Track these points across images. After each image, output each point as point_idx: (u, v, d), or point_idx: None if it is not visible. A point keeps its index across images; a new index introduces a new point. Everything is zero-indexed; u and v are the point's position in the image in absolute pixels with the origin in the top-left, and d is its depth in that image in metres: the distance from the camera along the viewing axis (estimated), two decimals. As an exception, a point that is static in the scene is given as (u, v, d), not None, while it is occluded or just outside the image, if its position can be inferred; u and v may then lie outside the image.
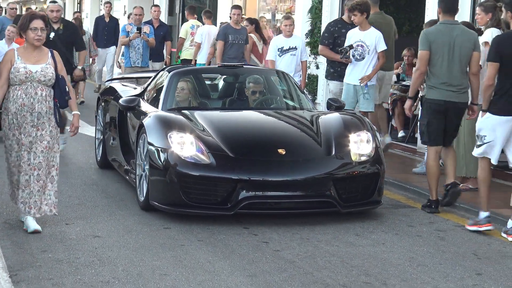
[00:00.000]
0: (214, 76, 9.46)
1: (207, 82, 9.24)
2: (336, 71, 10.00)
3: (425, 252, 6.24)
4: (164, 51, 14.45)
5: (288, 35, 10.57)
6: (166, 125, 7.26)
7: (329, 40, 10.02)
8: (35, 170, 6.43)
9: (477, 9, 8.29)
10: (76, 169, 9.43)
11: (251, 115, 8.14)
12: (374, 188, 7.23)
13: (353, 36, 9.45)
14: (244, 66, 9.45)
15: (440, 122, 7.50)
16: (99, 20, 17.45)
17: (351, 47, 9.49)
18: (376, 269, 5.74)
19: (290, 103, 8.59)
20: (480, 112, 7.00)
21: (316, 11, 13.63)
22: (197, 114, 7.73)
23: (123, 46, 13.31)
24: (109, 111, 9.33)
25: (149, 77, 9.70)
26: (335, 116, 7.88)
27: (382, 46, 9.37)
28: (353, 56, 9.46)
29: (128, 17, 16.00)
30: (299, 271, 5.69)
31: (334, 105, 8.40)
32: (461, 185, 8.03)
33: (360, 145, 7.32)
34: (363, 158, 7.24)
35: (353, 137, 7.36)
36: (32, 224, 6.41)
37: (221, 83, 9.16)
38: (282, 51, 10.49)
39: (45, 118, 6.48)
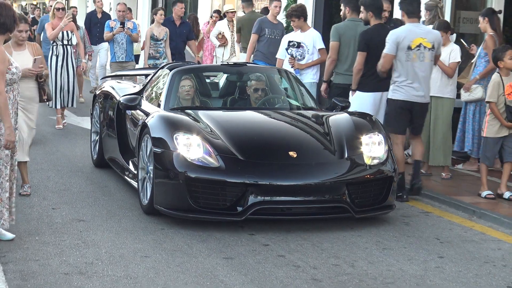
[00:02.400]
0: (214, 74, 8.93)
1: (207, 81, 8.72)
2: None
3: (391, 237, 6.35)
4: (190, 51, 13.49)
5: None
6: (172, 126, 6.67)
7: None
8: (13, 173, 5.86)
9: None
10: (62, 156, 9.45)
11: (259, 115, 7.48)
12: (387, 192, 6.72)
13: (294, 39, 9.65)
14: (247, 64, 8.79)
15: None
16: (91, 16, 16.43)
17: (299, 45, 9.59)
18: (345, 252, 5.85)
19: (294, 102, 8.06)
20: (351, 91, 8.17)
21: None
22: (202, 114, 7.15)
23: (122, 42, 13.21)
24: (107, 109, 8.73)
25: (145, 74, 9.52)
26: (345, 116, 7.30)
27: (320, 45, 9.56)
28: (295, 56, 9.54)
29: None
30: (272, 253, 5.76)
31: (339, 105, 7.86)
32: (445, 174, 8.47)
33: (372, 147, 6.81)
34: (375, 161, 6.72)
35: (365, 139, 6.84)
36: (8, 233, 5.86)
37: (222, 81, 8.61)
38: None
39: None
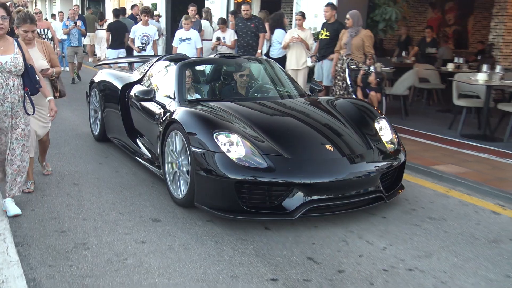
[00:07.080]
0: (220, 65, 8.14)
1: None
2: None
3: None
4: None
5: (187, 28, 11.88)
6: (209, 124, 5.76)
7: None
8: (9, 156, 5.65)
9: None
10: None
11: (275, 106, 6.68)
12: (400, 174, 6.31)
13: (139, 29, 12.34)
14: (241, 56, 8.11)
15: None
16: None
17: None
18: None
19: (285, 90, 7.50)
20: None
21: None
22: (225, 108, 6.37)
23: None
24: (107, 95, 8.33)
25: (132, 61, 10.61)
26: (346, 103, 6.80)
27: (155, 37, 12.15)
28: (143, 42, 11.98)
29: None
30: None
31: (316, 88, 7.56)
32: None
33: (382, 133, 6.36)
34: (392, 146, 6.25)
35: (376, 125, 6.39)
36: (11, 208, 5.68)
37: (206, 71, 8.02)
38: (182, 40, 11.84)
39: (19, 106, 5.62)
